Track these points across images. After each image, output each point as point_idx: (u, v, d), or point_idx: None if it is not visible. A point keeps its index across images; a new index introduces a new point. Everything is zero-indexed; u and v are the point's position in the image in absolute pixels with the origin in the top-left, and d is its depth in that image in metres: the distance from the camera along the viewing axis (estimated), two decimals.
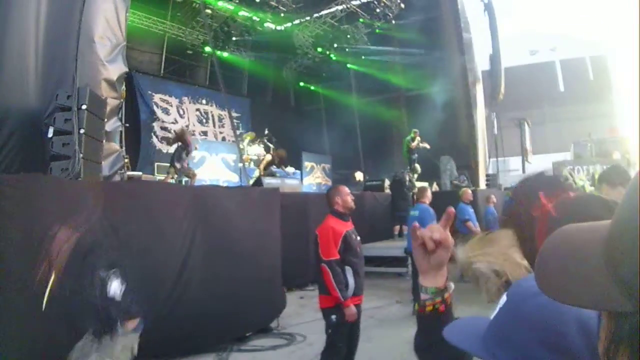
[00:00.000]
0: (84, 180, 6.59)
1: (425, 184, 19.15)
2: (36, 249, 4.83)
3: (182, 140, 13.10)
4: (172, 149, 14.03)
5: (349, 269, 5.33)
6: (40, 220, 5.19)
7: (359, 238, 5.60)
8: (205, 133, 23.57)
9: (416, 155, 18.96)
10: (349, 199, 5.61)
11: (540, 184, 1.72)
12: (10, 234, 5.17)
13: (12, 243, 5.17)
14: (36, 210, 5.34)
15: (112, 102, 8.41)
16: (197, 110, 23.65)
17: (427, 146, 18.85)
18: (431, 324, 1.48)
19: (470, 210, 12.08)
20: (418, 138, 18.72)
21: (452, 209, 1.50)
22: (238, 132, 21.98)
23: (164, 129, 20.92)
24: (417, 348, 1.55)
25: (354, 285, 5.31)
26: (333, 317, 5.28)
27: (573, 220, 0.76)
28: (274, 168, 18.15)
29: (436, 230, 1.47)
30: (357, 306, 5.38)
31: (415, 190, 17.52)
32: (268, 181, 15.04)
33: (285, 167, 19.15)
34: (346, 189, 5.71)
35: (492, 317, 1.19)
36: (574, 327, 1.01)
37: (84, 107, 6.90)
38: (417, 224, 1.52)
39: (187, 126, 22.01)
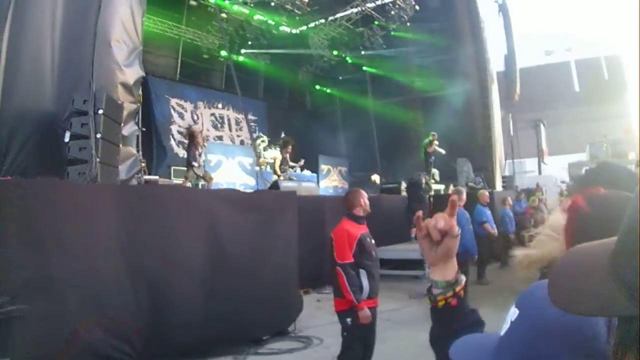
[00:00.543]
0: (100, 184, 6.62)
1: (442, 187, 19.22)
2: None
3: (193, 138, 13.12)
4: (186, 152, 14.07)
5: (363, 272, 5.34)
6: (56, 223, 5.25)
7: (373, 241, 5.61)
8: (220, 138, 23.63)
9: (433, 158, 18.92)
10: (367, 203, 5.64)
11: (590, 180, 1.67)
12: (26, 237, 5.23)
13: (28, 245, 5.24)
14: (52, 214, 5.39)
15: (129, 107, 8.45)
16: (212, 115, 23.71)
17: (443, 152, 18.81)
18: (445, 318, 1.46)
19: (488, 212, 12.05)
20: (436, 142, 18.67)
21: (454, 197, 1.47)
22: (255, 135, 22.04)
23: (180, 133, 21.04)
24: (432, 340, 1.52)
25: (368, 289, 5.32)
26: (348, 320, 5.29)
27: (604, 215, 0.77)
28: (290, 169, 18.14)
29: (440, 219, 1.42)
30: (372, 309, 5.39)
31: (432, 192, 17.61)
32: (285, 184, 15.03)
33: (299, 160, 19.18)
34: (364, 193, 5.75)
35: (503, 331, 1.17)
36: (604, 328, 0.99)
37: (100, 111, 6.94)
38: (420, 212, 1.50)
39: (201, 131, 22.13)
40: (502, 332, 1.17)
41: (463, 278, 1.49)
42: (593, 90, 26.42)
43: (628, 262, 0.60)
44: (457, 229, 1.43)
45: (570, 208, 1.43)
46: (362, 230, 5.50)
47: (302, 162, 19.72)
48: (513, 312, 1.15)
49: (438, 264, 1.46)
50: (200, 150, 13.16)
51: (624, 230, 0.62)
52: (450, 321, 1.42)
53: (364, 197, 5.65)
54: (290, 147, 17.49)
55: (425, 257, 1.50)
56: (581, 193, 1.44)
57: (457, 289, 1.46)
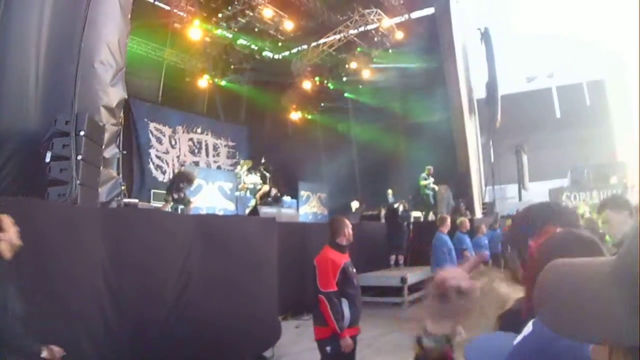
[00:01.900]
0: (81, 206, 6.57)
1: (420, 214, 19.30)
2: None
3: (186, 179, 13.22)
4: (169, 177, 14.11)
5: (345, 300, 5.40)
6: (37, 244, 5.17)
7: (354, 270, 5.68)
8: (197, 163, 23.49)
9: (432, 192, 19.29)
10: (351, 233, 5.73)
11: (532, 221, 1.66)
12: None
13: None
14: (34, 235, 5.32)
15: (110, 129, 8.42)
16: (190, 140, 23.61)
17: (436, 187, 19.02)
18: None
19: (467, 239, 12.10)
20: (431, 178, 18.94)
21: (486, 254, 1.43)
22: (234, 161, 22.02)
23: (158, 157, 20.96)
24: None
25: (350, 317, 5.37)
26: (328, 348, 5.33)
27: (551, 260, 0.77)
28: (269, 200, 18.25)
29: (463, 279, 1.27)
30: (353, 337, 5.43)
31: (412, 220, 17.69)
32: (265, 210, 15.04)
33: (280, 200, 19.33)
34: (349, 222, 5.81)
35: (516, 341, 1.16)
36: None
37: (82, 133, 6.90)
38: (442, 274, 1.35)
39: (178, 156, 22.12)
40: (516, 341, 1.16)
41: (462, 330, 1.36)
42: (575, 116, 26.66)
43: (630, 270, 0.60)
44: (477, 292, 1.27)
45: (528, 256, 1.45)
46: (345, 259, 5.57)
47: (278, 193, 19.93)
48: (528, 326, 1.13)
49: (443, 321, 1.30)
50: (190, 186, 13.31)
51: (628, 244, 0.62)
52: None
53: (349, 227, 5.70)
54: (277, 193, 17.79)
55: (427, 310, 1.33)
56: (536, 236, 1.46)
57: (456, 340, 1.31)
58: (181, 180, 13.24)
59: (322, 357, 5.42)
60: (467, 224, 12.33)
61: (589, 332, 0.67)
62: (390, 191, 20.50)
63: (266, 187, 18.19)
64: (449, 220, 10.92)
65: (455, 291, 1.25)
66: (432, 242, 10.68)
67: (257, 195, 17.75)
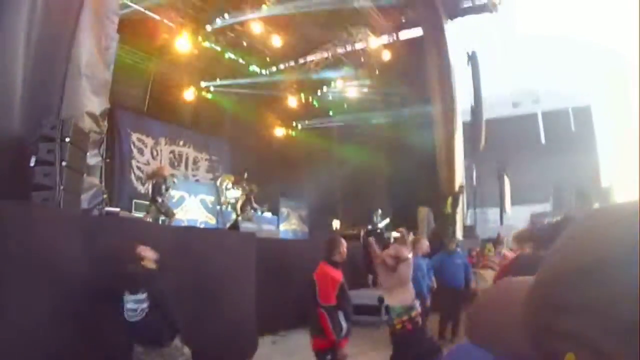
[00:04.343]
0: (66, 211, 6.58)
1: (399, 234, 19.31)
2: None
3: (160, 175, 13.14)
4: (148, 186, 14.04)
5: (341, 313, 5.85)
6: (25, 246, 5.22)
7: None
8: (174, 176, 23.30)
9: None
10: (345, 251, 6.33)
11: None
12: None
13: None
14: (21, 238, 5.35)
15: (94, 136, 8.43)
16: (172, 152, 23.44)
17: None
18: (402, 344, 1.53)
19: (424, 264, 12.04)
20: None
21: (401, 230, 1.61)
22: (214, 175, 21.96)
23: (139, 168, 20.84)
24: None
25: (346, 329, 5.90)
26: (328, 357, 5.82)
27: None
28: (252, 208, 18.18)
29: (392, 247, 1.59)
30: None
31: (393, 240, 17.72)
32: (245, 225, 15.02)
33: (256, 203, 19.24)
34: (344, 241, 6.41)
35: None
36: None
37: (67, 139, 6.91)
38: (372, 239, 1.62)
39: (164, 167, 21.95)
40: None
41: (418, 305, 1.58)
42: (559, 142, 26.98)
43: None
44: (406, 254, 1.57)
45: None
46: (340, 275, 6.12)
47: (265, 207, 19.86)
48: None
49: (395, 288, 1.57)
50: (167, 184, 13.19)
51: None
52: (407, 347, 1.49)
53: (344, 246, 6.26)
54: (254, 193, 17.63)
55: (382, 281, 1.61)
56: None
57: (413, 313, 1.54)
58: (156, 180, 13.18)
59: None
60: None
61: (497, 345, 0.72)
62: (379, 211, 20.36)
63: (243, 197, 18.08)
64: (423, 242, 10.69)
65: (390, 258, 1.57)
66: None
67: (238, 206, 17.68)
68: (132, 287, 5.19)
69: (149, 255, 5.57)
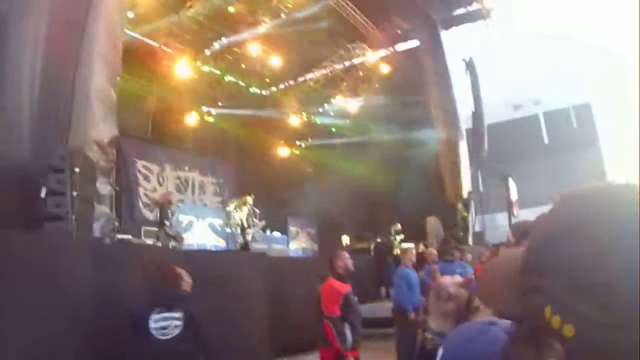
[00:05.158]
0: (79, 240, 6.64)
1: (411, 245, 19.27)
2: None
3: (166, 200, 13.22)
4: (157, 212, 14.06)
5: (347, 325, 6.02)
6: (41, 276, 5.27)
7: (356, 298, 6.42)
8: (182, 201, 23.38)
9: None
10: (349, 263, 6.47)
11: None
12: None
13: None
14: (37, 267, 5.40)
15: (103, 165, 8.49)
16: (178, 178, 23.47)
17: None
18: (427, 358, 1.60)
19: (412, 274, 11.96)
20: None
21: (472, 277, 1.68)
22: (221, 199, 22.00)
23: (146, 195, 20.89)
24: None
25: (352, 340, 6.01)
26: None
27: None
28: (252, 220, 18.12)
29: (452, 286, 1.66)
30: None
31: (399, 252, 17.69)
32: (255, 246, 15.08)
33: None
34: (346, 254, 6.65)
35: None
36: None
37: (76, 169, 6.99)
38: (436, 266, 1.72)
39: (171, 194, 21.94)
40: None
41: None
42: (563, 141, 26.92)
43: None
44: (463, 299, 1.65)
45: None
46: (346, 287, 6.30)
47: (263, 222, 19.86)
48: (439, 353, 1.25)
49: (438, 317, 1.68)
50: (172, 209, 13.21)
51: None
52: None
53: (343, 259, 6.44)
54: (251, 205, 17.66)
55: (429, 304, 1.75)
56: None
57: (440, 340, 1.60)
58: (162, 207, 13.22)
59: None
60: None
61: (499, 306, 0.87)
62: (398, 226, 20.13)
63: (245, 209, 17.74)
64: (410, 252, 10.36)
65: (447, 295, 1.65)
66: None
67: (244, 222, 17.56)
68: (169, 305, 5.27)
69: (186, 278, 5.73)
